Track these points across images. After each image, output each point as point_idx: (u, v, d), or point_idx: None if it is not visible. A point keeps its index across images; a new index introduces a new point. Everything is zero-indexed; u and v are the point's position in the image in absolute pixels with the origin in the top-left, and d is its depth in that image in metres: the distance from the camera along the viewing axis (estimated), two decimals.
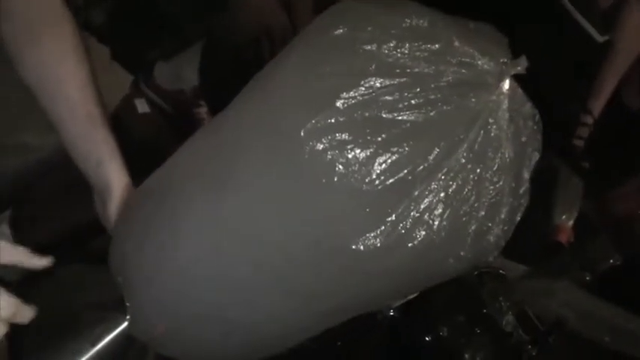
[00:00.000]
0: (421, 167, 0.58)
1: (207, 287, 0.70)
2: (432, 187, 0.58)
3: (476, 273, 1.36)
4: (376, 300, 0.73)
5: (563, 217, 1.66)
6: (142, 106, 1.89)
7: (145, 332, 0.78)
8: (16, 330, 0.95)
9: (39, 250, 1.40)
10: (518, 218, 0.67)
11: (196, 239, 0.69)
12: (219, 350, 0.76)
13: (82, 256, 1.09)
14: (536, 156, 0.67)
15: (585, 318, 1.32)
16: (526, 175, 0.67)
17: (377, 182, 0.57)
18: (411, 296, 1.16)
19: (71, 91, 0.83)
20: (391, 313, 1.24)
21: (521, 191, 0.66)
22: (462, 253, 0.63)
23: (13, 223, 1.39)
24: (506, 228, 0.65)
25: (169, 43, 1.79)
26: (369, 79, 0.58)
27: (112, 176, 0.84)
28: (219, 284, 0.69)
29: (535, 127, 0.67)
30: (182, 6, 1.72)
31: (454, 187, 0.60)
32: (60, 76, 0.83)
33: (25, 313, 0.73)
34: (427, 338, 1.33)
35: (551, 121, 1.73)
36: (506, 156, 0.63)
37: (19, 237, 1.40)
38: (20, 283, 1.26)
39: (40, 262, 0.76)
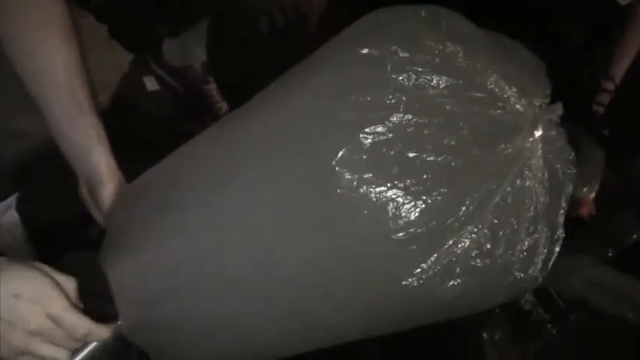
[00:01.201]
0: (451, 219, 0.54)
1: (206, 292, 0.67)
2: (463, 241, 0.55)
3: None
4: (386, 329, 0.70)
5: (584, 189, 1.61)
6: (151, 84, 1.87)
7: (137, 333, 0.76)
8: None
9: (46, 234, 1.41)
10: (552, 262, 0.64)
11: (202, 244, 0.67)
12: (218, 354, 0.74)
13: (87, 243, 1.07)
14: (569, 194, 0.64)
15: (608, 295, 1.29)
16: (561, 219, 0.64)
17: (405, 230, 0.53)
18: None
19: (57, 75, 0.79)
20: None
21: (556, 236, 0.63)
22: (492, 300, 0.61)
23: (21, 208, 1.39)
24: (539, 275, 0.62)
25: (176, 18, 1.76)
26: (397, 114, 0.54)
27: (101, 162, 0.81)
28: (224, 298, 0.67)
29: (570, 168, 0.63)
30: None
31: (486, 241, 0.56)
32: (45, 61, 0.79)
33: (100, 332, 0.71)
34: None
35: (572, 88, 1.69)
36: (541, 204, 0.60)
37: (27, 221, 1.40)
38: None
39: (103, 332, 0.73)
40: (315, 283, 0.60)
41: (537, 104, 0.60)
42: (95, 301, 0.80)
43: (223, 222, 0.65)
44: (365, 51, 0.57)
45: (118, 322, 0.74)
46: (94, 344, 0.78)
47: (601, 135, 1.76)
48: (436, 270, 0.55)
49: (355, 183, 0.53)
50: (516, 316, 1.29)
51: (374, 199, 0.53)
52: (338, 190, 0.54)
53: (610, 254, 1.36)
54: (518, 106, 0.58)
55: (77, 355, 0.75)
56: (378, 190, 0.53)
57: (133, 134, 1.36)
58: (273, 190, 0.60)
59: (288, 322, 0.65)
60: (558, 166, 0.63)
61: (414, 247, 0.54)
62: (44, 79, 0.80)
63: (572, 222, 1.57)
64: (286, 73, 0.65)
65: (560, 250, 1.30)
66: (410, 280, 0.55)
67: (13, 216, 1.39)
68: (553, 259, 0.64)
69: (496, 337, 1.30)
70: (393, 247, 0.54)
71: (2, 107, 0.98)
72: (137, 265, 0.72)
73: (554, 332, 1.25)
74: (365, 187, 0.53)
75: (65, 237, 1.24)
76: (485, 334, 1.30)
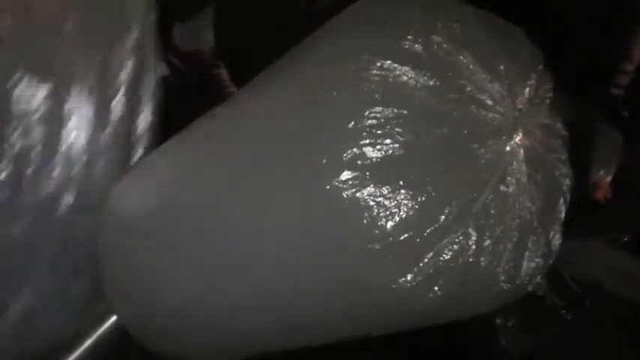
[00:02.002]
0: (430, 229, 0.53)
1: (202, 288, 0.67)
2: (444, 252, 0.54)
3: None
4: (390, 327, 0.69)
5: (600, 172, 1.58)
6: (161, 69, 1.85)
7: (134, 325, 0.75)
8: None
9: None
10: (546, 267, 0.63)
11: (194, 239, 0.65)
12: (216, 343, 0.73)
13: None
14: (567, 196, 0.62)
15: (624, 280, 1.26)
16: (557, 225, 0.62)
17: (381, 240, 0.52)
18: None
19: None
20: None
21: (549, 243, 0.61)
22: (478, 309, 0.60)
23: None
24: (527, 284, 0.60)
25: (182, 3, 1.74)
26: (377, 113, 0.52)
27: None
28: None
29: (564, 169, 0.61)
30: None
31: (469, 251, 0.55)
32: None
33: None
34: None
35: (588, 68, 1.66)
36: (529, 211, 0.58)
37: None
38: None
39: None
40: (294, 283, 0.58)
41: (520, 106, 0.57)
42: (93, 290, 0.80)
43: (209, 215, 0.64)
44: (350, 45, 0.55)
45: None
46: (93, 338, 0.77)
47: (620, 116, 1.72)
48: (415, 281, 0.53)
49: (334, 187, 0.52)
50: (530, 302, 1.27)
51: (351, 205, 0.51)
52: (320, 192, 0.52)
53: (626, 239, 1.33)
54: (499, 107, 0.56)
55: (76, 348, 0.74)
56: (354, 196, 0.51)
57: None
58: (257, 185, 0.59)
59: (273, 319, 0.64)
60: (550, 168, 0.61)
61: (390, 257, 0.52)
62: None
63: (588, 206, 1.56)
64: (276, 63, 0.64)
65: (575, 234, 1.28)
66: (387, 290, 0.53)
67: None
68: (545, 266, 0.62)
69: (509, 324, 1.28)
70: (369, 256, 0.52)
71: None
72: (132, 259, 0.72)
73: (568, 318, 1.23)
74: (344, 192, 0.51)
75: None
76: (498, 320, 1.28)
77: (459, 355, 1.27)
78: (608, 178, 1.57)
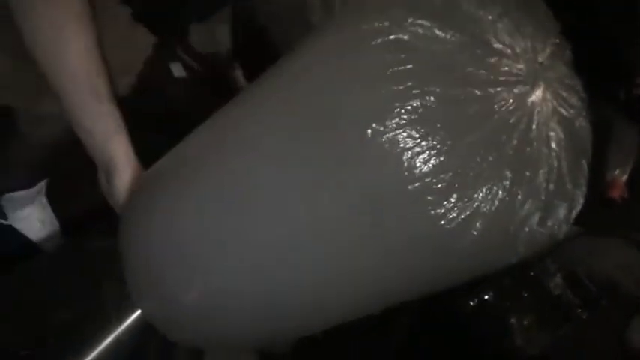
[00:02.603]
0: (465, 171, 0.55)
1: (235, 266, 0.67)
2: (479, 193, 0.55)
3: None
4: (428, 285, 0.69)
5: (616, 171, 1.57)
6: (177, 70, 1.86)
7: (156, 316, 0.76)
8: (41, 302, 0.95)
9: (74, 219, 1.42)
10: (575, 215, 0.63)
11: (226, 217, 0.66)
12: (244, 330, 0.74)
13: (112, 228, 1.07)
14: (589, 142, 0.63)
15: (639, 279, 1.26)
16: (582, 180, 0.63)
17: (420, 181, 0.54)
18: None
19: (73, 63, 0.79)
20: None
21: (576, 195, 0.62)
22: (508, 256, 0.60)
23: (50, 194, 1.40)
24: (557, 231, 0.61)
25: (201, 2, 1.76)
26: (408, 63, 0.55)
27: (119, 152, 0.81)
28: (251, 260, 0.66)
29: (585, 117, 0.63)
30: None
31: (503, 193, 0.56)
32: (60, 48, 0.79)
33: None
34: (471, 303, 1.29)
35: (609, 67, 1.65)
36: (558, 159, 0.59)
37: (55, 207, 1.41)
38: (52, 257, 1.27)
39: None
40: (341, 238, 0.60)
41: (541, 60, 0.60)
42: (118, 286, 0.81)
43: (243, 193, 0.65)
44: (381, 3, 0.58)
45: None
46: (118, 331, 0.79)
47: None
48: (455, 222, 0.55)
49: (373, 133, 0.54)
50: (545, 301, 1.27)
51: (390, 150, 0.54)
52: (358, 141, 0.55)
53: None
54: (522, 60, 0.58)
55: (100, 342, 0.76)
56: (392, 140, 0.53)
57: (156, 119, 1.37)
58: (295, 150, 0.60)
59: (317, 288, 0.65)
60: (572, 125, 0.62)
61: (429, 197, 0.54)
62: (60, 68, 0.79)
63: (604, 204, 1.55)
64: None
65: (591, 233, 1.27)
66: (427, 229, 0.55)
67: (42, 202, 1.41)
68: (572, 216, 0.63)
69: (524, 322, 1.28)
70: (409, 198, 0.54)
71: (29, 90, 0.98)
72: (152, 253, 0.73)
73: (584, 317, 1.23)
74: (382, 137, 0.53)
75: (92, 223, 1.25)
76: (513, 319, 1.28)
77: (474, 354, 1.27)
78: (624, 177, 1.56)
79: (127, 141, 0.82)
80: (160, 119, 1.36)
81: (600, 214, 1.48)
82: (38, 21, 0.79)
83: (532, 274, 1.28)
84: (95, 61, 0.80)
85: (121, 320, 0.82)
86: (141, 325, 0.81)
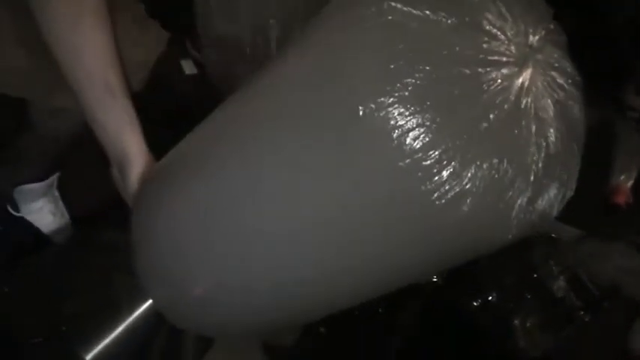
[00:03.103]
0: (454, 148, 0.56)
1: (250, 251, 0.68)
2: (469, 169, 0.56)
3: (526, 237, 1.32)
4: (431, 264, 0.71)
5: (622, 177, 1.58)
6: (189, 67, 1.88)
7: (168, 307, 0.78)
8: (53, 292, 0.97)
9: (86, 212, 1.44)
10: (567, 198, 0.64)
11: (243, 200, 0.68)
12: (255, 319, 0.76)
13: (123, 221, 1.09)
14: (582, 124, 0.64)
15: None
16: (576, 152, 0.64)
17: (410, 157, 0.55)
18: None
19: (88, 58, 0.80)
20: (434, 279, 1.21)
21: (569, 174, 0.63)
22: (503, 234, 0.61)
23: (61, 187, 1.42)
24: (553, 207, 0.62)
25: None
26: (399, 44, 0.56)
27: (132, 145, 0.82)
28: (264, 246, 0.67)
29: (578, 101, 0.64)
30: None
31: (492, 171, 0.57)
32: (77, 45, 0.80)
33: None
34: (475, 303, 1.30)
35: (612, 71, 1.65)
36: (548, 142, 0.61)
37: (67, 200, 1.43)
38: (62, 249, 1.29)
39: None
40: (341, 218, 0.61)
41: (532, 44, 0.61)
42: (127, 278, 0.83)
43: (243, 184, 0.66)
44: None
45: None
46: (129, 320, 0.81)
47: None
48: (445, 198, 0.56)
49: (365, 110, 0.55)
50: (548, 303, 1.28)
51: (382, 125, 0.55)
52: (350, 120, 0.56)
53: None
54: (512, 43, 0.60)
55: (111, 331, 0.78)
56: (385, 117, 0.55)
57: (167, 115, 1.38)
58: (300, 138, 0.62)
59: (342, 260, 0.66)
60: (564, 109, 0.63)
61: (420, 173, 0.55)
62: (75, 63, 0.81)
63: (609, 209, 1.56)
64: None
65: (595, 236, 1.28)
66: (418, 205, 0.57)
67: (54, 195, 1.43)
68: (565, 199, 0.64)
69: (528, 324, 1.29)
70: (400, 174, 0.56)
71: (43, 84, 0.99)
72: (163, 243, 0.75)
73: (586, 320, 1.24)
74: (373, 114, 0.55)
75: (104, 215, 1.27)
76: (516, 321, 1.29)
77: (477, 354, 1.28)
78: (630, 183, 1.57)
79: (139, 135, 0.83)
80: (170, 115, 1.37)
81: (603, 217, 1.49)
82: (54, 16, 0.80)
83: (535, 276, 1.30)
84: (110, 57, 0.81)
85: (132, 309, 0.84)
86: (151, 314, 0.82)
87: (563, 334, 1.27)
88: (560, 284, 1.27)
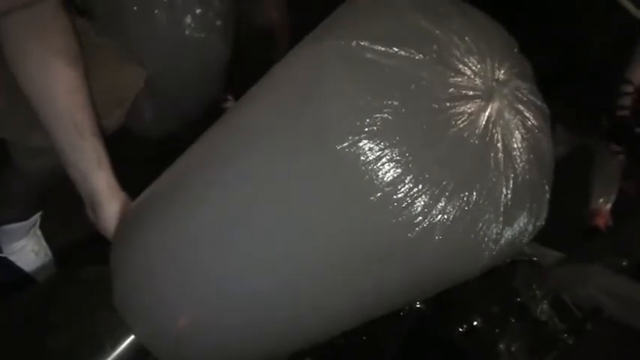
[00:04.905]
0: (422, 182, 0.57)
1: (221, 290, 0.69)
2: (440, 203, 0.58)
3: (508, 261, 1.33)
4: (399, 297, 0.71)
5: (600, 200, 1.60)
6: None
7: (151, 342, 0.78)
8: (36, 330, 0.96)
9: (67, 250, 1.44)
10: (538, 229, 0.65)
11: (208, 236, 0.68)
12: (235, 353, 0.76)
13: (104, 257, 1.10)
14: (551, 155, 0.66)
15: (624, 304, 1.28)
16: (545, 185, 0.65)
17: (381, 191, 0.56)
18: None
19: (57, 101, 0.80)
20: (417, 306, 1.21)
21: (539, 204, 0.64)
22: (480, 257, 0.62)
23: (43, 225, 1.42)
24: (523, 237, 0.63)
25: None
26: (366, 83, 0.58)
27: (100, 185, 0.82)
28: (235, 286, 0.68)
29: (547, 133, 0.65)
30: None
31: (459, 203, 0.58)
32: (45, 86, 0.81)
33: None
34: (460, 329, 1.30)
35: (592, 93, 1.68)
36: (515, 168, 0.62)
37: (50, 238, 1.43)
38: (44, 286, 1.28)
39: None
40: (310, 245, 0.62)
41: (498, 77, 0.62)
42: (111, 313, 0.82)
43: (219, 220, 0.67)
44: (337, 31, 0.61)
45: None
46: (112, 356, 0.81)
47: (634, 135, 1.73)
48: (414, 232, 0.57)
49: (337, 147, 0.56)
50: (532, 327, 1.29)
51: (353, 161, 0.56)
52: (325, 158, 0.57)
53: (624, 263, 1.35)
54: (478, 77, 0.61)
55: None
56: (355, 152, 0.56)
57: (150, 148, 1.39)
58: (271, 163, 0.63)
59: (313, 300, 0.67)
60: (533, 140, 0.64)
61: (390, 207, 0.56)
62: (44, 104, 0.81)
63: (589, 233, 1.57)
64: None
65: (575, 259, 1.29)
66: (390, 238, 0.58)
67: (37, 234, 1.42)
68: (535, 230, 0.65)
69: (513, 349, 1.29)
70: (371, 207, 0.57)
71: (21, 124, 0.99)
72: (140, 279, 0.75)
73: (570, 342, 1.25)
74: (344, 150, 0.56)
75: (86, 250, 1.27)
76: (501, 346, 1.29)
77: None
78: (608, 206, 1.59)
79: (108, 175, 0.83)
80: (154, 148, 1.38)
81: (584, 240, 1.51)
82: (24, 57, 0.81)
83: (519, 300, 1.31)
84: (80, 98, 0.82)
85: (115, 345, 0.84)
86: (135, 349, 0.82)
87: (548, 357, 1.27)
88: (543, 308, 1.28)
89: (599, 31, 1.88)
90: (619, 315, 1.26)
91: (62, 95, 0.81)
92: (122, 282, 0.78)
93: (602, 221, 1.57)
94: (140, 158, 1.27)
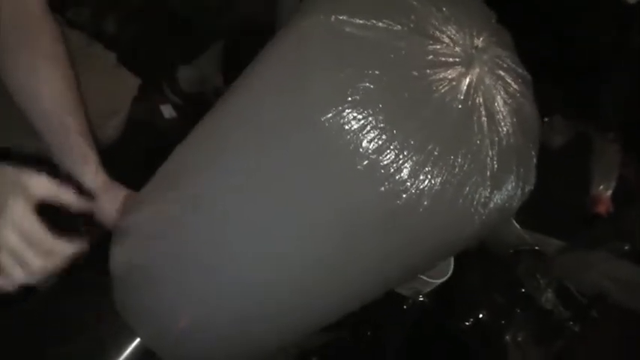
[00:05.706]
0: (406, 149, 0.57)
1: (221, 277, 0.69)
2: (423, 170, 0.57)
3: (511, 251, 1.33)
4: (402, 269, 0.71)
5: (601, 186, 1.60)
6: (168, 112, 1.89)
7: (155, 343, 0.78)
8: (39, 338, 0.96)
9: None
10: (527, 193, 0.65)
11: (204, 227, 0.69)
12: (234, 347, 0.76)
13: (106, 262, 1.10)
14: (535, 120, 0.66)
15: (628, 288, 1.27)
16: (532, 150, 0.65)
17: (367, 159, 0.56)
18: (441, 280, 1.14)
19: (44, 101, 0.82)
20: (420, 299, 1.21)
21: (526, 169, 0.64)
22: (470, 223, 0.62)
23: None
24: (512, 201, 0.63)
25: (185, 45, 1.79)
26: (349, 55, 0.58)
27: (85, 180, 0.82)
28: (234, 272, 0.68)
29: (529, 100, 0.65)
30: (193, 7, 1.72)
31: (445, 168, 0.58)
32: (34, 91, 0.82)
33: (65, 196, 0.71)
34: (467, 323, 1.30)
35: (591, 85, 1.68)
36: (499, 131, 0.62)
37: None
38: (48, 293, 1.28)
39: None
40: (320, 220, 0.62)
41: (477, 45, 0.62)
42: (114, 317, 0.83)
43: (214, 210, 0.67)
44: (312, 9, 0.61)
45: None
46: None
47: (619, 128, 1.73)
48: (402, 199, 0.57)
49: (323, 118, 0.56)
50: (538, 316, 1.29)
51: (339, 131, 0.56)
52: (313, 129, 0.57)
53: (626, 248, 1.35)
54: (457, 45, 0.61)
55: None
56: (340, 122, 0.56)
57: (146, 156, 1.39)
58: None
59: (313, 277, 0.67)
60: (517, 107, 0.64)
61: (378, 174, 0.56)
62: (34, 108, 0.83)
63: (590, 220, 1.57)
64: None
65: (577, 246, 1.29)
66: (379, 205, 0.57)
67: None
68: (524, 194, 0.64)
69: (519, 339, 1.29)
70: (359, 176, 0.57)
71: (6, 127, 1.00)
72: (139, 278, 0.75)
73: (576, 330, 1.24)
74: (329, 121, 0.56)
75: (86, 258, 1.26)
76: (507, 336, 1.29)
77: None
78: (609, 192, 1.58)
79: (93, 170, 0.84)
80: (150, 156, 1.38)
81: (585, 228, 1.51)
82: (13, 63, 0.82)
83: (523, 290, 1.30)
84: (67, 103, 0.83)
85: (120, 349, 0.84)
86: (140, 351, 0.82)
87: (554, 345, 1.27)
88: (548, 297, 1.27)
89: (599, 22, 1.88)
90: (623, 300, 1.26)
91: (50, 100, 0.82)
92: (122, 284, 0.78)
93: (603, 208, 1.57)
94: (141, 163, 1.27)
